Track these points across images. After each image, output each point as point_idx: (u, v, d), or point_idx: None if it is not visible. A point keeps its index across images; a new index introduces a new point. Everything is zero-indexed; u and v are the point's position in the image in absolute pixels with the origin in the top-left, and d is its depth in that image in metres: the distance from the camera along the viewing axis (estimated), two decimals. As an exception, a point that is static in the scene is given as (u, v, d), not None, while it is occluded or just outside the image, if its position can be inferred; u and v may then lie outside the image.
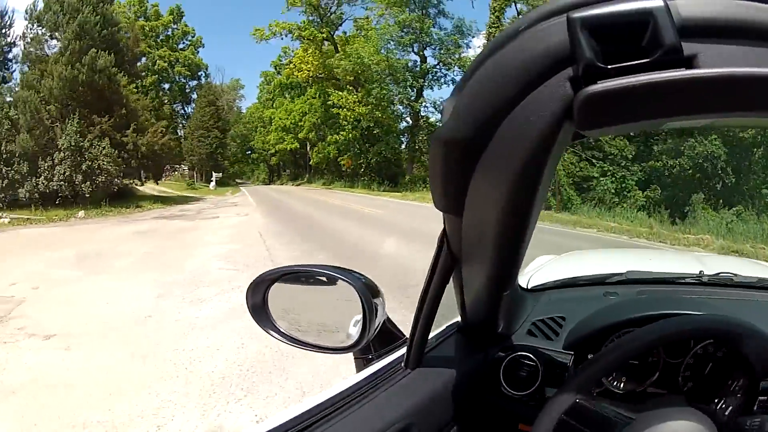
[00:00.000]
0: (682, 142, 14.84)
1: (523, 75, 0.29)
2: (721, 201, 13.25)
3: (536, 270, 1.12)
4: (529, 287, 0.86)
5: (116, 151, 13.48)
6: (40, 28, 13.81)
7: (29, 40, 13.80)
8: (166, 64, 32.15)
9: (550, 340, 0.70)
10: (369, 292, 0.60)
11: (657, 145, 15.92)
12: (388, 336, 0.67)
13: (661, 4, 0.26)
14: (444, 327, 0.68)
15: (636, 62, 0.26)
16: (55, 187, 12.27)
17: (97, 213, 11.72)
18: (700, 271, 0.94)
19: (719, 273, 0.94)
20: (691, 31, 0.27)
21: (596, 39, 0.27)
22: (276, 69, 34.21)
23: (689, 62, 0.27)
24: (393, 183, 25.39)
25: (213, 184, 26.46)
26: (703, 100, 0.27)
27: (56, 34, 13.62)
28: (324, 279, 0.63)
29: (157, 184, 20.18)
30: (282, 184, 37.72)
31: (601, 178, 15.59)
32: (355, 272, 0.63)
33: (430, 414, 0.57)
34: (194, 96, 32.81)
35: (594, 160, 16.15)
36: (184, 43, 34.16)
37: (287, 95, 33.28)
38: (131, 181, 16.48)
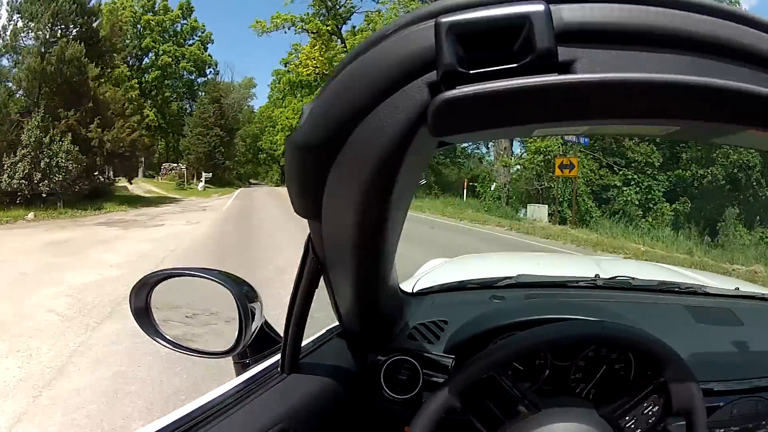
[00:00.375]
0: (713, 150, 14.68)
1: (382, 80, 0.32)
2: (757, 218, 13.19)
3: (424, 274, 1.22)
4: (414, 291, 0.94)
5: (76, 148, 13.56)
6: (19, 17, 14.15)
7: (8, 32, 14.20)
8: (170, 60, 33.36)
9: (432, 344, 0.77)
10: (245, 297, 0.67)
11: (685, 152, 15.76)
12: (267, 340, 0.74)
13: (540, 9, 0.29)
14: (324, 331, 0.76)
15: (502, 67, 0.29)
16: (15, 186, 12.44)
17: (50, 215, 11.73)
18: (596, 275, 1.04)
19: (616, 277, 1.04)
20: (573, 36, 0.29)
21: (463, 44, 0.29)
22: (285, 66, 34.90)
23: (565, 67, 0.29)
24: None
25: (202, 185, 26.83)
26: (577, 106, 0.30)
27: (31, 24, 13.93)
28: (206, 282, 0.69)
29: (130, 183, 20.44)
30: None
31: (624, 188, 15.47)
32: (232, 276, 0.70)
33: (307, 418, 0.62)
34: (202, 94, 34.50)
35: (616, 167, 15.95)
36: (193, 39, 35.59)
37: (297, 94, 33.88)
38: (108, 180, 16.73)
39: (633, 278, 1.06)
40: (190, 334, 0.72)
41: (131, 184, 20.28)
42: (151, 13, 33.33)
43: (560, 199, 14.11)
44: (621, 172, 15.50)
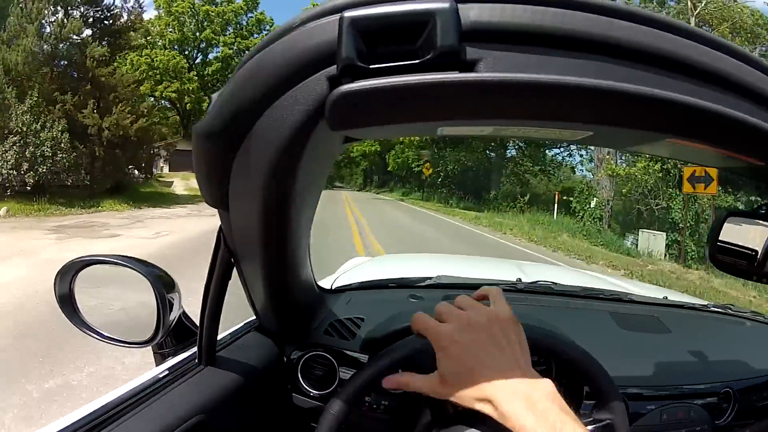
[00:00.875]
0: None
1: (284, 72, 0.38)
2: None
3: (345, 271, 1.39)
4: (333, 287, 1.08)
5: (66, 135, 14.61)
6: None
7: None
8: (231, 52, 37.69)
9: (347, 340, 0.91)
10: (163, 287, 0.82)
11: None
12: (187, 331, 0.88)
13: (446, 6, 0.34)
14: (242, 324, 0.90)
15: (401, 63, 0.35)
16: (5, 176, 13.66)
17: (28, 210, 12.79)
18: (518, 279, 1.20)
19: (538, 281, 1.21)
20: (480, 35, 0.35)
21: (366, 39, 0.35)
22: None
23: (468, 66, 0.35)
24: (477, 198, 27.33)
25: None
26: (478, 106, 0.36)
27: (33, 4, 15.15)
28: (130, 271, 0.84)
29: (147, 177, 22.04)
30: (368, 191, 46.43)
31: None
32: (151, 265, 0.85)
33: (225, 410, 0.75)
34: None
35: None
36: (260, 32, 39.80)
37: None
38: (130, 173, 18.58)
39: (555, 283, 1.24)
40: (112, 323, 0.89)
41: (149, 178, 22.01)
42: (213, 5, 37.82)
43: (686, 226, 13.02)
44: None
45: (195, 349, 0.81)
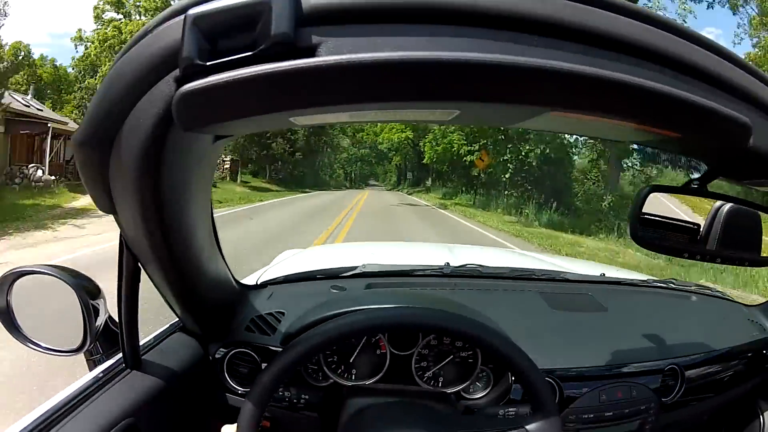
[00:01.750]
0: None
1: (138, 77, 0.39)
2: None
3: (274, 265, 1.40)
4: (259, 282, 1.09)
5: None
6: None
7: None
8: None
9: (268, 336, 0.92)
10: (87, 294, 0.84)
11: None
12: (114, 336, 0.87)
13: None
14: (168, 325, 0.91)
15: (236, 57, 0.34)
16: None
17: None
18: (446, 263, 1.21)
19: (466, 264, 1.21)
20: (321, 19, 0.34)
21: (207, 36, 0.35)
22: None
23: (308, 52, 0.34)
24: (566, 207, 17.67)
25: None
26: (321, 92, 0.35)
27: None
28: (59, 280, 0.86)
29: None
30: (399, 191, 40.75)
31: None
32: (75, 273, 0.87)
33: (153, 412, 0.78)
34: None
35: None
36: None
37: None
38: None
39: (483, 266, 1.24)
40: (48, 332, 0.91)
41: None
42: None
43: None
44: None
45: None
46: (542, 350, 0.95)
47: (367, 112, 0.42)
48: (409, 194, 34.82)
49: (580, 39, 0.37)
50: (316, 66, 0.34)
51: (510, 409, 0.88)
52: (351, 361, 0.90)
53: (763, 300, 1.38)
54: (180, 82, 0.36)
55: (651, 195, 0.65)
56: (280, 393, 0.88)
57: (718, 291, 1.49)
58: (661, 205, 0.66)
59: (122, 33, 25.43)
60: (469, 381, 0.91)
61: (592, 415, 0.95)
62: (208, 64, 0.35)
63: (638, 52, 0.39)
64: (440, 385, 0.91)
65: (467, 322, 0.78)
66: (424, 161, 29.51)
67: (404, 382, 0.91)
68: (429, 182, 37.09)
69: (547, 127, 0.55)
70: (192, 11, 0.35)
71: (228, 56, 0.35)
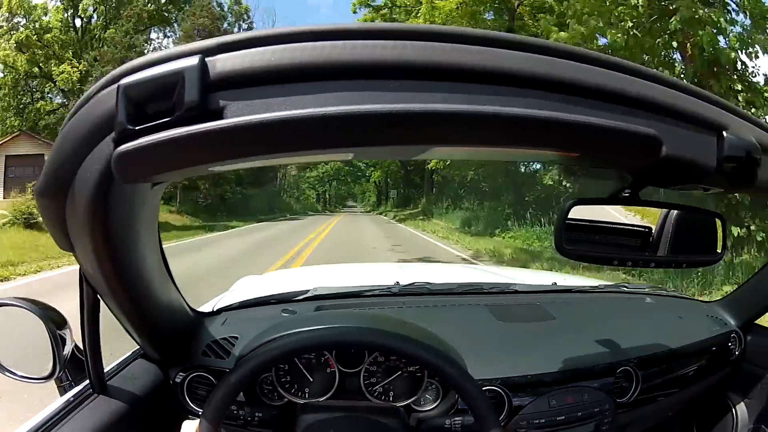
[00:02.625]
0: None
1: (84, 138, 0.46)
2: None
3: (230, 292, 1.46)
4: (215, 309, 1.15)
5: None
6: None
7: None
8: None
9: (223, 359, 0.98)
10: (54, 325, 0.89)
11: None
12: (81, 363, 0.91)
13: (194, 63, 0.39)
14: (130, 352, 0.97)
15: (157, 122, 0.40)
16: None
17: None
18: (396, 282, 1.25)
19: (414, 283, 1.27)
20: (227, 83, 0.39)
21: (135, 103, 0.40)
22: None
23: (214, 115, 0.39)
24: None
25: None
26: (230, 148, 0.41)
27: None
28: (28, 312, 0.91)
29: None
30: (386, 214, 30.63)
31: None
32: (42, 304, 0.92)
33: None
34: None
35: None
36: None
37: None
38: None
39: (430, 283, 1.29)
40: (17, 360, 0.96)
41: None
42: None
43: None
44: None
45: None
46: (488, 361, 1.01)
47: (274, 158, 0.47)
48: (398, 220, 25.30)
49: (449, 77, 0.41)
50: (221, 128, 0.39)
51: (456, 419, 0.93)
52: (303, 379, 0.95)
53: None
54: (117, 143, 0.42)
55: (573, 209, 0.63)
56: (235, 411, 0.93)
57: (673, 290, 1.53)
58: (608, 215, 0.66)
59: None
60: (419, 394, 0.95)
61: (543, 420, 0.99)
62: (137, 128, 0.40)
63: (513, 81, 0.41)
64: (390, 399, 0.96)
65: (394, 337, 0.84)
66: (429, 166, 21.79)
67: (356, 398, 0.95)
68: (423, 199, 26.11)
69: (446, 157, 0.60)
70: (123, 81, 0.41)
71: (153, 121, 0.40)
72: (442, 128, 0.41)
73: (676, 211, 0.68)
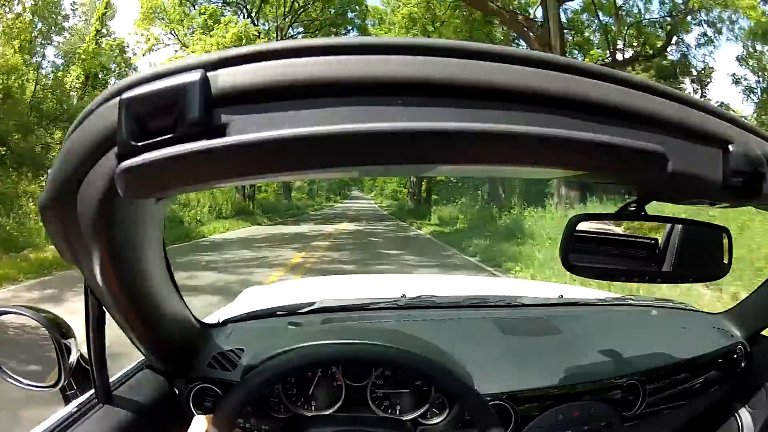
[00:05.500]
0: None
1: (87, 153, 0.45)
2: None
3: (236, 302, 1.45)
4: (220, 321, 1.14)
5: None
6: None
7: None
8: None
9: (229, 371, 0.97)
10: (59, 334, 0.90)
11: None
12: (86, 372, 0.92)
13: (196, 78, 0.38)
14: (136, 362, 0.97)
15: (160, 138, 0.39)
16: None
17: None
18: (402, 295, 1.24)
19: (421, 296, 1.24)
20: (229, 99, 0.39)
21: (137, 118, 0.40)
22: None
23: (217, 131, 0.38)
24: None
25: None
26: (232, 165, 0.40)
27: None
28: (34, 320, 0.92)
29: None
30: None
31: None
32: (47, 313, 0.93)
33: None
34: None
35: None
36: None
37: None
38: None
39: (436, 296, 1.27)
40: (23, 369, 0.97)
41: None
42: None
43: None
44: None
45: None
46: (494, 375, 0.99)
47: (277, 176, 0.46)
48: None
49: (455, 94, 0.40)
50: (224, 145, 0.38)
51: None
52: (310, 393, 0.95)
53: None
54: (120, 158, 0.41)
55: (579, 226, 0.63)
56: (241, 423, 0.92)
57: (680, 303, 1.50)
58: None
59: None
60: (425, 407, 0.94)
61: None
62: (140, 144, 0.40)
63: (520, 97, 0.40)
64: (397, 412, 0.95)
65: (397, 353, 0.85)
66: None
67: (362, 411, 0.95)
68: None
69: (451, 174, 0.60)
70: (125, 95, 0.40)
71: (156, 136, 0.40)
72: (448, 147, 0.40)
73: (681, 226, 0.68)
